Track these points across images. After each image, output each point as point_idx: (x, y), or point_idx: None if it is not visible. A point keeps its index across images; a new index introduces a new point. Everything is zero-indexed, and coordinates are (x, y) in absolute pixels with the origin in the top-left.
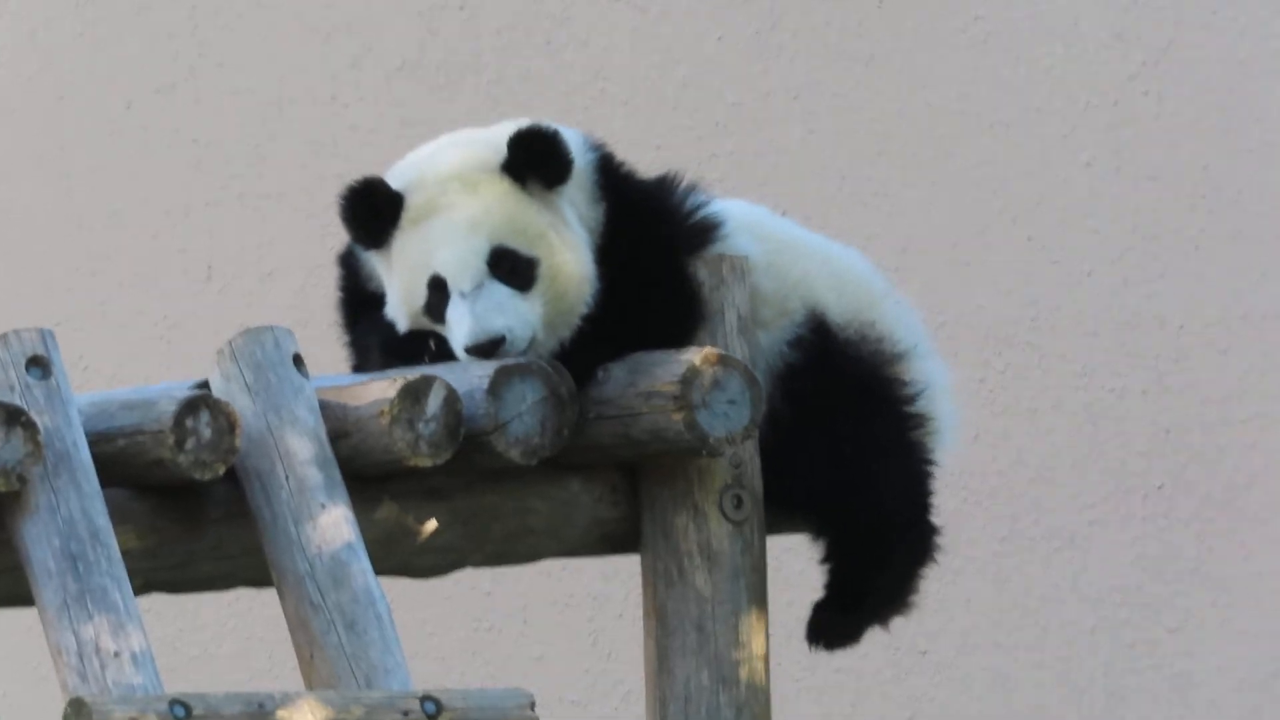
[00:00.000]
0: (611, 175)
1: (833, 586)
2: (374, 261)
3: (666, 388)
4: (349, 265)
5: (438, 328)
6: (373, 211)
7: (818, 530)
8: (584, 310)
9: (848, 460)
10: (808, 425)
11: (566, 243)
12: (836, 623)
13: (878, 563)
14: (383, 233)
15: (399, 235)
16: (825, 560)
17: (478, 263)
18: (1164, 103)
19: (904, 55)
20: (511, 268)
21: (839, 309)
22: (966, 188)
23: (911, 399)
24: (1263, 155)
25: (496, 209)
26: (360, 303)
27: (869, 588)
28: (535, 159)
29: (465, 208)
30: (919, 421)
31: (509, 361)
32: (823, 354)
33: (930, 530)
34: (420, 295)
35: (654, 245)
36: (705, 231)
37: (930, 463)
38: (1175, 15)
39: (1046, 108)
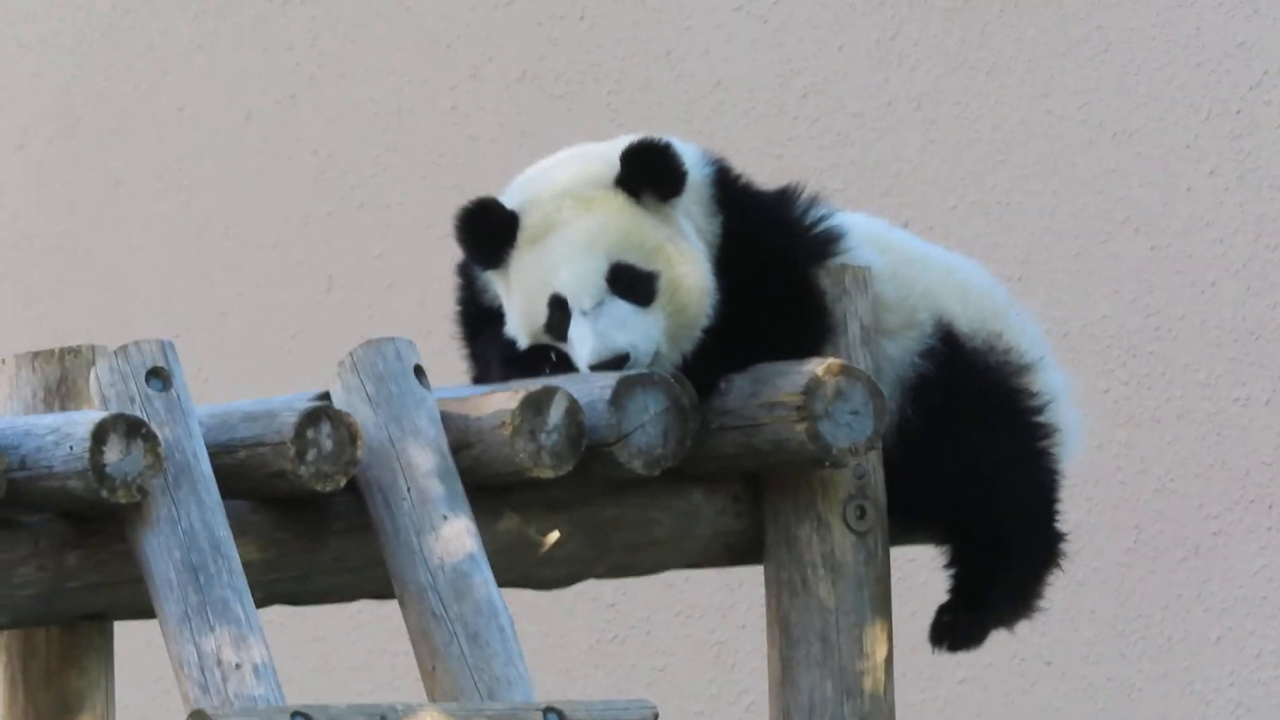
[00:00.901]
0: (729, 188)
1: (957, 588)
2: (492, 280)
3: (789, 398)
4: (467, 276)
5: (560, 345)
6: (488, 232)
7: (944, 537)
8: (705, 322)
9: (977, 469)
10: (938, 435)
11: (685, 255)
12: (960, 623)
13: (1002, 564)
14: (499, 253)
15: (516, 255)
16: (950, 564)
17: (597, 280)
18: None
19: (1025, 64)
20: (631, 283)
21: (965, 320)
22: (1089, 197)
23: (1039, 409)
24: None
25: (613, 225)
26: (479, 314)
27: (993, 588)
28: (649, 172)
29: (582, 225)
30: (1047, 431)
31: (631, 372)
32: (953, 364)
33: (1056, 536)
34: (541, 314)
35: (774, 256)
36: (827, 243)
37: (1057, 471)
38: None
39: (1169, 117)
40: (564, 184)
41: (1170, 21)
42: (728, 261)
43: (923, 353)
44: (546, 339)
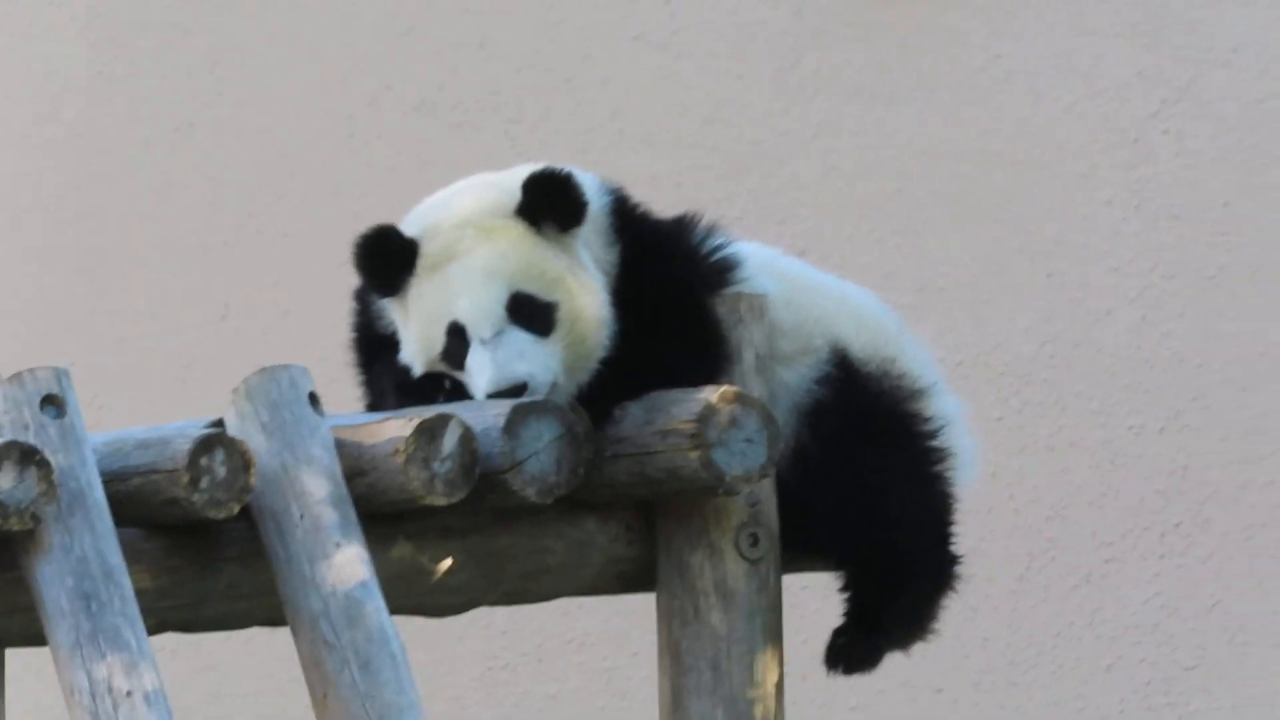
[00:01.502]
0: (627, 216)
1: (852, 611)
2: (388, 307)
3: (683, 426)
4: (363, 302)
5: (456, 374)
6: (387, 259)
7: (839, 561)
8: (602, 354)
9: (873, 492)
10: (834, 460)
11: (584, 286)
12: (855, 646)
13: (898, 586)
14: (398, 280)
15: (415, 283)
16: (845, 588)
17: (497, 309)
18: (1184, 141)
19: (924, 93)
20: (531, 313)
21: (860, 345)
22: (986, 226)
23: (933, 433)
24: None
25: (513, 254)
26: (374, 341)
27: (888, 610)
28: (550, 202)
29: (482, 254)
30: (941, 455)
31: (525, 400)
32: (848, 390)
33: (951, 558)
34: (439, 342)
35: (672, 285)
36: (724, 271)
37: (951, 494)
38: (1196, 54)
39: (1066, 146)
40: (465, 213)
41: (1069, 51)
42: (625, 291)
43: (819, 379)
44: (443, 367)
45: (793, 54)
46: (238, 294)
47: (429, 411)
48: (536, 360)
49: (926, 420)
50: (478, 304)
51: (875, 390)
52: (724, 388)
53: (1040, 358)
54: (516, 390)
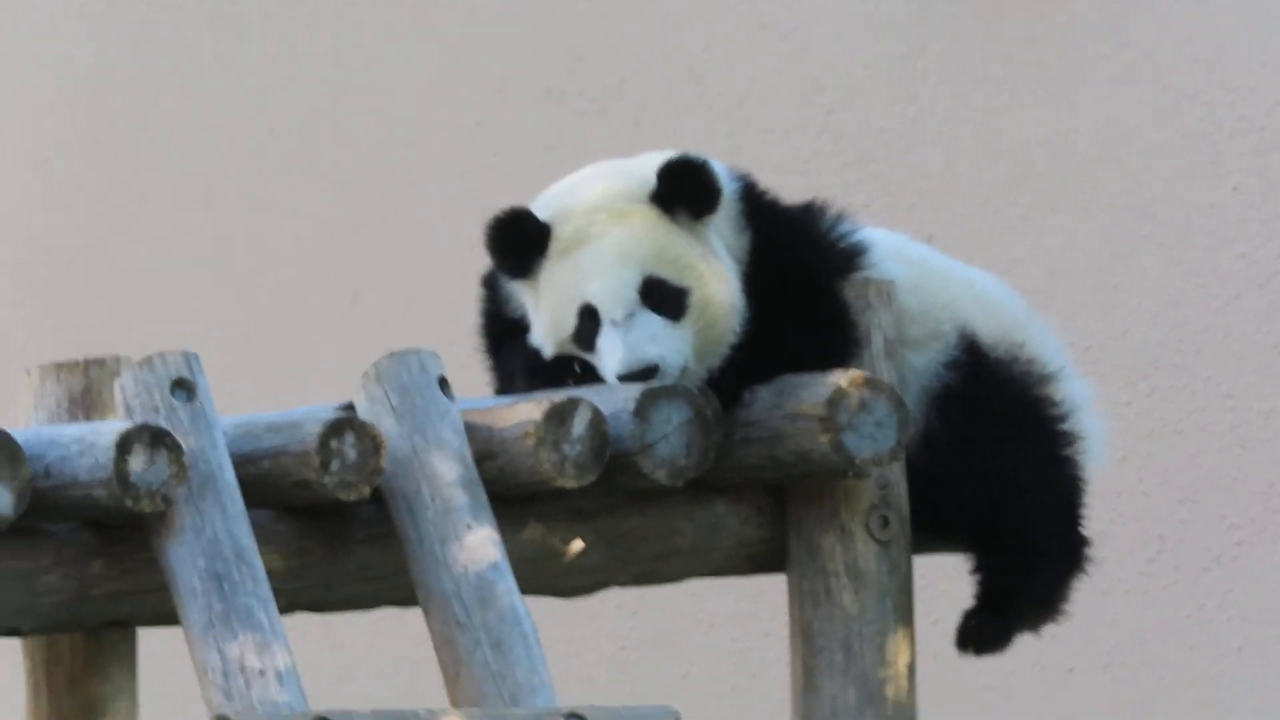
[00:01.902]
0: (756, 203)
1: (983, 593)
2: (519, 290)
3: (812, 410)
4: (491, 288)
5: (586, 356)
6: (520, 242)
7: (970, 545)
8: (733, 339)
9: (1003, 476)
10: (963, 444)
11: (716, 273)
12: (986, 627)
13: (1028, 568)
14: (530, 263)
15: (547, 265)
16: (976, 570)
17: (630, 293)
18: None
19: (1049, 81)
20: (663, 298)
21: (988, 331)
22: (1113, 212)
23: (1063, 418)
24: None
25: (647, 239)
26: (503, 326)
27: (1018, 592)
28: (685, 190)
29: (616, 238)
30: (1071, 439)
31: (655, 384)
32: (977, 375)
33: (1081, 540)
34: (570, 324)
35: (801, 272)
36: (853, 256)
37: (1081, 478)
38: None
39: (1193, 133)
40: (597, 197)
41: (1194, 39)
42: (756, 277)
43: (947, 364)
44: (573, 349)
45: (918, 42)
46: (367, 279)
47: (559, 395)
48: (668, 343)
49: (1055, 404)
50: (610, 286)
51: (1004, 375)
52: (853, 372)
53: (1169, 343)
54: (648, 372)
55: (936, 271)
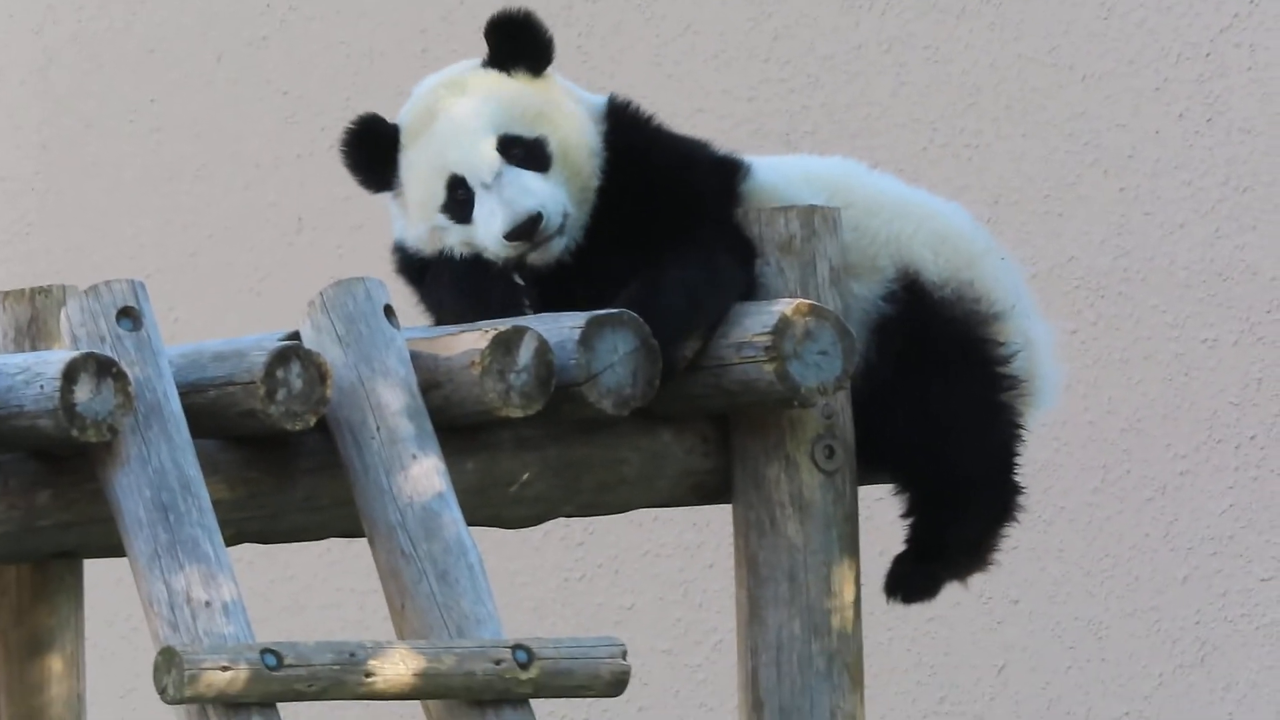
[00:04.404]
0: (623, 116)
1: (913, 540)
2: (391, 209)
3: (758, 338)
4: (402, 250)
5: (464, 230)
6: (375, 146)
7: (902, 485)
8: (596, 183)
9: (935, 418)
10: (898, 380)
11: (568, 116)
12: (914, 575)
13: (957, 517)
14: (390, 169)
15: (404, 158)
16: (907, 514)
17: (491, 152)
18: (1256, 54)
19: (995, 7)
20: (525, 153)
21: (935, 268)
22: (1058, 140)
23: (1005, 360)
24: None
25: (492, 99)
26: (417, 265)
27: (948, 541)
28: (515, 45)
29: (461, 105)
30: (1010, 383)
31: (600, 312)
32: (916, 311)
33: (1013, 489)
34: (439, 197)
35: (670, 154)
36: (731, 168)
37: (1018, 425)
38: None
39: (1139, 60)
40: (435, 80)
41: None
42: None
43: (884, 296)
44: (444, 220)
45: None
46: (311, 207)
47: (504, 324)
48: (544, 193)
49: (999, 346)
50: (470, 151)
51: (946, 315)
52: (798, 300)
53: (1114, 271)
54: (531, 223)
55: (879, 205)
